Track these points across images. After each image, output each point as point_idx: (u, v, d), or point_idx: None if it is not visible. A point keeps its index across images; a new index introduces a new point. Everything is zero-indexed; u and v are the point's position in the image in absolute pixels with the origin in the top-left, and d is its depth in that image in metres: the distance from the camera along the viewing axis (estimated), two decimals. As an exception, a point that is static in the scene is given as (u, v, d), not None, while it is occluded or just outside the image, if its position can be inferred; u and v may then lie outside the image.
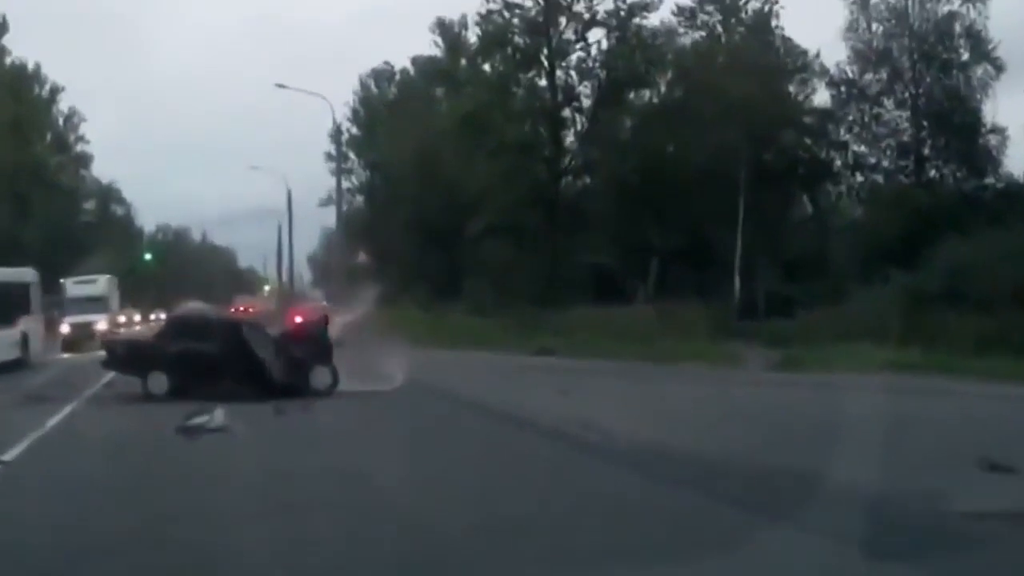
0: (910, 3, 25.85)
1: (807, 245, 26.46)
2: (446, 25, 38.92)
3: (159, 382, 12.04)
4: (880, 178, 27.05)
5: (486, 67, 30.96)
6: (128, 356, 12.65)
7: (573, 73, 28.85)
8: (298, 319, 14.15)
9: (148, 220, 62.52)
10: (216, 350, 12.11)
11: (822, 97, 28.13)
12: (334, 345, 12.64)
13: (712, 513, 5.48)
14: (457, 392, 12.10)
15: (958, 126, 25.30)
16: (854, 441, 6.43)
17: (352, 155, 44.36)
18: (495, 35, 29.11)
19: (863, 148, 27.18)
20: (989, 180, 25.42)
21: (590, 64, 28.60)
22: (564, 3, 28.20)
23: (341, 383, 12.14)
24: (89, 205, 50.80)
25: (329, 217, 38.88)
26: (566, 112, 29.16)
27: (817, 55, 28.16)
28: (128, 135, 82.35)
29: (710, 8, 29.26)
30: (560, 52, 28.59)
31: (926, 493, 5.50)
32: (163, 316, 32.63)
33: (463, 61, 36.09)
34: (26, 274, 20.44)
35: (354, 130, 44.60)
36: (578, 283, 26.15)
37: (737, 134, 24.76)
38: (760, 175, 25.63)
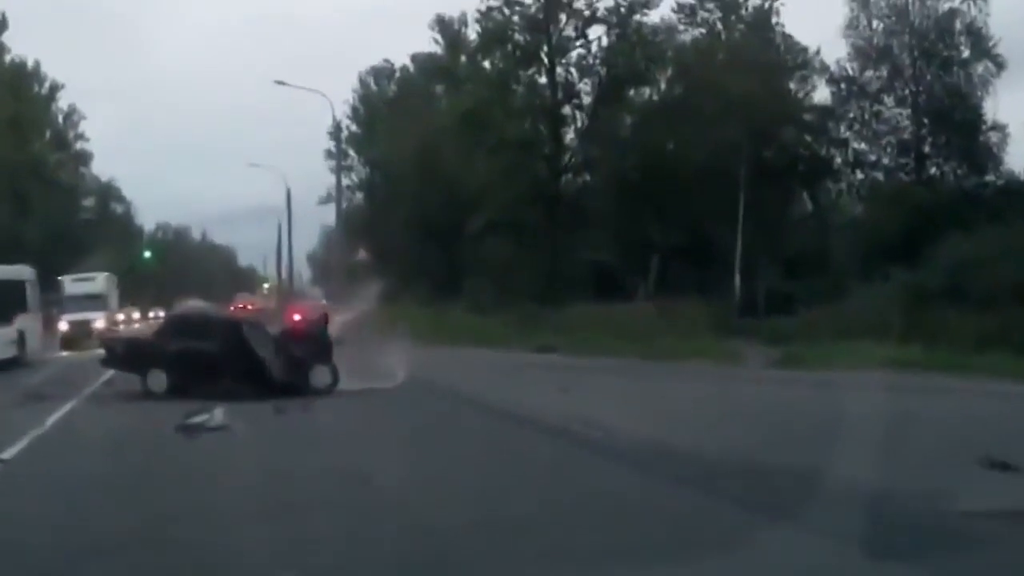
0: (910, 0, 25.81)
1: (807, 242, 26.43)
2: (446, 22, 38.89)
3: (158, 380, 12.03)
4: (880, 175, 27.02)
5: (486, 64, 30.91)
6: (128, 354, 12.64)
7: (573, 70, 28.83)
8: (296, 317, 14.12)
9: (148, 218, 62.66)
10: (216, 348, 12.10)
11: (822, 94, 28.14)
12: (334, 343, 12.63)
13: (713, 512, 5.46)
14: (457, 390, 12.09)
15: (959, 123, 25.26)
16: (855, 439, 6.41)
17: (352, 153, 44.35)
18: (495, 32, 29.05)
19: (863, 145, 27.15)
20: (990, 177, 25.39)
21: (590, 61, 28.58)
22: (564, 0, 28.15)
23: (341, 381, 12.13)
24: (89, 203, 50.81)
25: (329, 215, 38.91)
26: (566, 109, 29.12)
27: (817, 52, 28.16)
28: (128, 133, 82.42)
29: (710, 5, 29.19)
30: (560, 49, 28.54)
31: (927, 492, 5.49)
32: (162, 314, 32.69)
33: (463, 58, 36.04)
34: (23, 271, 20.32)
35: (354, 127, 44.59)
36: (578, 280, 26.13)
37: (737, 131, 24.72)
38: (760, 172, 25.59)
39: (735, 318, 22.82)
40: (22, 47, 44.38)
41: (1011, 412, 9.46)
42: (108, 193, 53.16)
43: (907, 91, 26.15)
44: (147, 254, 47.10)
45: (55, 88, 46.32)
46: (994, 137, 25.27)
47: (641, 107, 29.87)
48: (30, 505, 5.99)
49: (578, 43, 28.51)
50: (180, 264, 60.89)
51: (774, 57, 28.09)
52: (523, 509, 5.55)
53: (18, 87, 42.04)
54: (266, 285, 54.84)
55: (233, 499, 6.07)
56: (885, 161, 26.87)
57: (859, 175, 27.49)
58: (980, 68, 25.34)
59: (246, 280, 68.09)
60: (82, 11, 77.34)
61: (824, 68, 27.76)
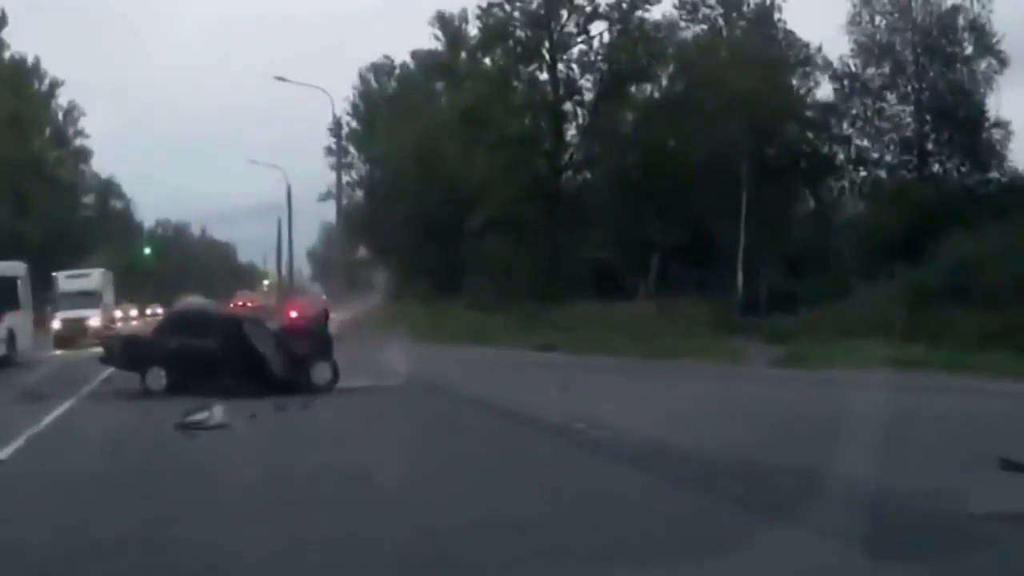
0: (913, -3, 25.73)
1: (809, 240, 26.38)
2: (446, 19, 38.86)
3: (158, 378, 11.99)
4: (883, 173, 26.97)
5: (487, 61, 30.85)
6: (126, 352, 12.59)
7: (574, 66, 28.79)
8: (293, 314, 14.03)
9: (148, 215, 62.81)
10: (216, 346, 12.06)
11: (825, 91, 28.10)
12: (334, 340, 12.60)
13: (713, 512, 5.44)
14: (458, 388, 12.06)
15: (962, 120, 25.19)
16: (856, 439, 6.37)
17: (352, 149, 44.33)
18: (496, 28, 28.99)
19: (866, 142, 27.11)
20: (993, 175, 25.33)
21: (592, 57, 28.54)
22: (565, -4, 28.10)
23: (341, 379, 12.10)
24: (88, 200, 50.82)
25: (329, 212, 38.91)
26: (567, 106, 29.09)
27: (819, 49, 28.12)
28: (128, 130, 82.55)
29: (712, 1, 29.11)
30: (561, 45, 28.49)
31: (928, 492, 5.46)
32: (160, 311, 32.65)
33: (463, 55, 35.97)
34: (14, 268, 19.77)
35: (354, 124, 44.57)
36: (579, 278, 26.11)
37: (739, 128, 24.66)
38: (762, 170, 25.54)
39: (737, 316, 22.80)
40: (22, 44, 44.46)
41: (1014, 411, 9.42)
42: (108, 190, 53.18)
43: (910, 88, 26.08)
44: (147, 250, 47.13)
45: (55, 85, 46.33)
46: (997, 134, 25.26)
47: (642, 104, 29.82)
48: (29, 505, 5.96)
49: (579, 39, 28.49)
50: (180, 261, 60.96)
51: (776, 53, 28.02)
52: (524, 508, 5.53)
53: (18, 84, 42.03)
54: (266, 282, 54.82)
55: (233, 498, 6.04)
56: (888, 158, 26.83)
57: (861, 172, 27.46)
58: (983, 65, 25.30)
59: (246, 277, 68.07)
60: (82, 8, 77.41)
61: (826, 65, 27.77)
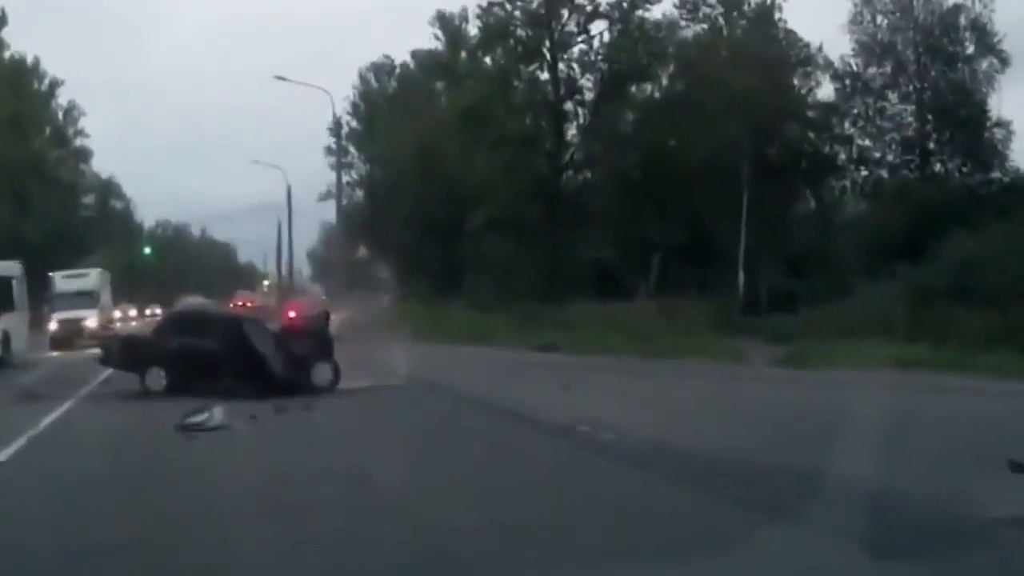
0: (914, -4, 25.71)
1: (811, 240, 26.36)
2: (447, 18, 38.85)
3: (157, 379, 11.97)
4: (884, 172, 26.96)
5: (487, 60, 30.84)
6: (126, 352, 12.57)
7: (575, 66, 28.78)
8: (292, 314, 14.00)
9: (148, 215, 62.78)
10: (216, 346, 12.04)
11: (826, 91, 28.10)
12: (334, 340, 12.58)
13: (713, 512, 5.42)
14: (458, 388, 12.05)
15: (963, 120, 25.18)
16: (857, 439, 6.36)
17: (352, 149, 44.33)
18: (496, 28, 28.99)
19: (867, 142, 27.10)
20: (995, 174, 25.33)
21: (592, 57, 28.54)
22: (566, -4, 28.09)
23: (342, 379, 12.08)
24: (88, 200, 50.81)
25: (329, 212, 38.92)
26: (568, 105, 29.09)
27: (820, 48, 28.10)
28: (128, 130, 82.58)
29: (712, 1, 29.10)
30: (562, 45, 28.48)
31: (929, 492, 5.45)
32: (159, 312, 32.59)
33: (464, 54, 35.96)
34: (9, 268, 19.49)
35: (354, 124, 44.56)
36: (579, 279, 26.10)
37: (740, 128, 24.64)
38: (763, 169, 25.52)
39: (737, 316, 22.78)
40: (22, 43, 44.45)
41: (1017, 412, 9.39)
42: (108, 190, 53.20)
43: (911, 87, 26.07)
44: (147, 251, 47.14)
45: (55, 84, 46.34)
46: (999, 134, 25.25)
47: (643, 103, 29.81)
48: (28, 506, 5.95)
49: (580, 39, 28.49)
50: (180, 261, 60.99)
51: (777, 53, 28.00)
52: (524, 509, 5.52)
53: (18, 84, 42.03)
54: (266, 282, 54.81)
55: (233, 499, 6.03)
56: (889, 158, 26.82)
57: (863, 172, 27.46)
58: (985, 64, 25.29)
59: (246, 277, 68.08)
60: (82, 8, 77.42)
61: (827, 64, 27.76)
